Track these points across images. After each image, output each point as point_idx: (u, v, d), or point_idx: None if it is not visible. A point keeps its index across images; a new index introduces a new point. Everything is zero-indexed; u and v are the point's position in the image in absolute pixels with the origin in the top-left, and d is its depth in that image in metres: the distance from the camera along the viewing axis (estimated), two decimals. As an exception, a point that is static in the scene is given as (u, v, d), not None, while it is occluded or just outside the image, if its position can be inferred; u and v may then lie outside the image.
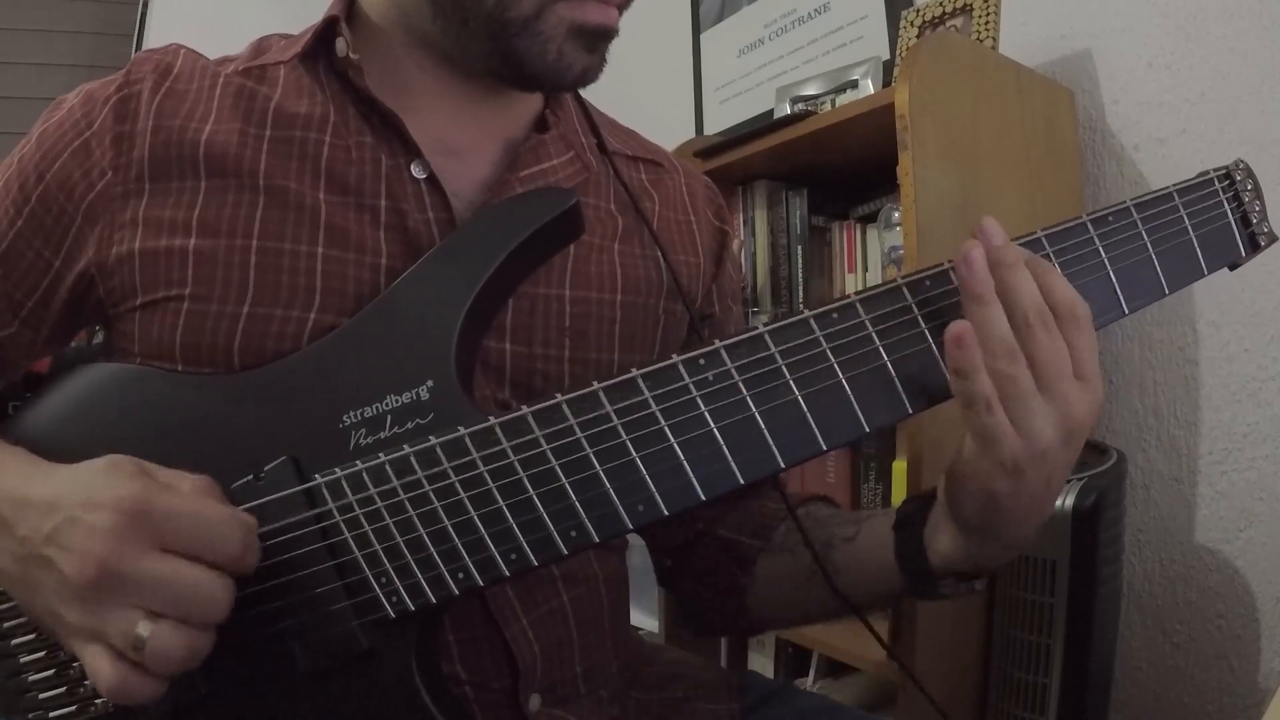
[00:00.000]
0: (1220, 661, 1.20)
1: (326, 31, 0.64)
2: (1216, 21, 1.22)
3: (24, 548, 0.47)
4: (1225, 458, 1.21)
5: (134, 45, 2.27)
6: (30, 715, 0.52)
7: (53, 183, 0.59)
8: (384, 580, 0.50)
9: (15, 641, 0.53)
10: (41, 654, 0.53)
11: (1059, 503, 1.05)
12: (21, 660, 0.53)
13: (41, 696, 0.53)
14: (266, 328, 0.56)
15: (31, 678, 0.53)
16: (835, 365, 0.49)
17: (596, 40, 0.61)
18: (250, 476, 0.51)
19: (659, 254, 0.70)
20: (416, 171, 0.61)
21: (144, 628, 0.44)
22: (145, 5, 2.29)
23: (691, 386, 0.48)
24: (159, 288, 0.57)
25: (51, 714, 0.52)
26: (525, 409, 0.49)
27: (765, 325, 0.49)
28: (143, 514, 0.45)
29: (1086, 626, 1.06)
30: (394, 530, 0.49)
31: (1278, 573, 1.15)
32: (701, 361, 0.48)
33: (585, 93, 0.71)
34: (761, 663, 1.61)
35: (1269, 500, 1.16)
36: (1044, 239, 0.52)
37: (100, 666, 0.45)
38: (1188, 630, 1.23)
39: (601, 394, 0.49)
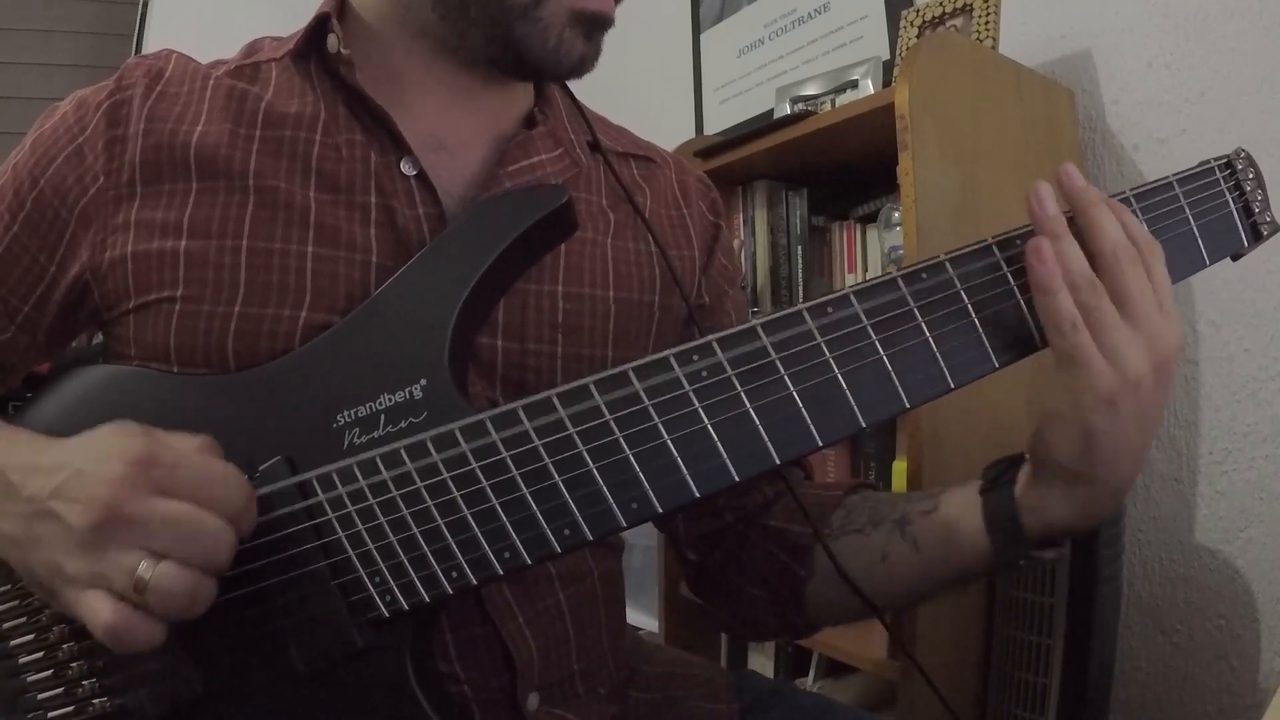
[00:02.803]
0: (1220, 661, 1.19)
1: (318, 28, 0.64)
2: (1216, 21, 1.22)
3: (29, 505, 0.47)
4: (1225, 458, 1.21)
5: (134, 45, 2.27)
6: (29, 715, 0.52)
7: (47, 188, 0.60)
8: (377, 579, 0.49)
9: (15, 642, 0.53)
10: (40, 654, 0.53)
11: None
12: (20, 661, 0.53)
13: (40, 697, 0.53)
14: (259, 327, 0.56)
15: (30, 678, 0.53)
16: (830, 360, 0.49)
17: (594, 28, 0.62)
18: (245, 477, 0.51)
19: (653, 248, 0.69)
20: (406, 168, 0.61)
21: (146, 567, 0.44)
22: (145, 5, 2.30)
23: (684, 380, 0.47)
24: (151, 290, 0.57)
25: (50, 714, 0.52)
26: (517, 404, 0.49)
27: (758, 318, 0.49)
28: (150, 462, 0.45)
29: (1086, 626, 1.05)
30: (387, 529, 0.49)
31: (1278, 573, 1.15)
32: (695, 356, 0.48)
33: (586, 92, 0.71)
34: (761, 663, 1.61)
35: (1269, 500, 1.16)
36: None
37: (100, 607, 0.44)
38: (1188, 630, 1.23)
39: (593, 388, 0.48)
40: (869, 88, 1.52)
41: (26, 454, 0.50)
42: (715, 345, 0.48)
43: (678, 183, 0.77)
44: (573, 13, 0.60)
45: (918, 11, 1.47)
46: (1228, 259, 0.56)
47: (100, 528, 0.44)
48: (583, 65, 0.63)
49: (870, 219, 1.51)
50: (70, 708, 0.52)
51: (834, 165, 1.51)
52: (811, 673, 1.47)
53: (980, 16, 1.35)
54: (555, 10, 0.60)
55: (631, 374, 0.48)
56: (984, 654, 1.17)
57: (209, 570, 0.46)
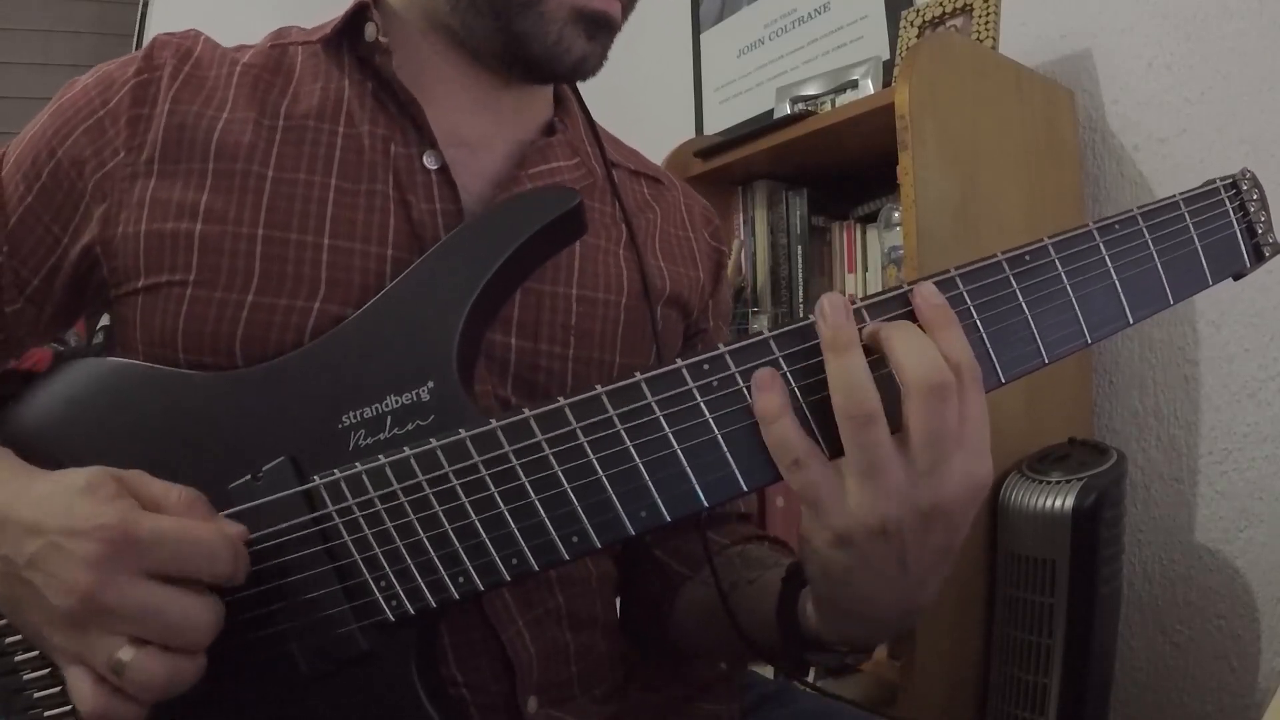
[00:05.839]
0: (1220, 661, 1.20)
1: (355, 17, 0.64)
2: (1216, 21, 1.22)
3: (6, 566, 0.46)
4: (1225, 458, 1.21)
5: (134, 45, 2.27)
6: (28, 714, 0.52)
7: (64, 159, 0.59)
8: (383, 584, 0.49)
9: (9, 640, 0.53)
10: (36, 653, 0.53)
11: (1059, 503, 1.05)
12: (16, 659, 0.53)
13: (36, 695, 0.52)
14: (270, 317, 0.56)
15: (26, 676, 0.52)
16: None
17: (597, 29, 0.62)
18: (248, 476, 0.51)
19: (656, 261, 0.70)
20: (429, 162, 0.61)
21: (125, 653, 0.43)
22: (145, 5, 2.30)
23: (695, 392, 0.47)
24: (162, 271, 0.57)
25: (47, 713, 0.52)
26: (527, 412, 0.48)
27: (769, 330, 0.48)
28: (127, 542, 0.44)
29: (1086, 626, 1.06)
30: (394, 534, 0.49)
31: (1278, 573, 1.15)
32: (705, 366, 0.47)
33: (587, 91, 0.71)
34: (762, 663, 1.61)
35: (1269, 500, 1.16)
36: (1050, 246, 0.51)
37: (81, 689, 0.44)
38: (1188, 630, 1.23)
39: (605, 398, 0.48)
40: (869, 88, 1.52)
41: (2, 496, 0.48)
42: (727, 357, 0.48)
43: (684, 206, 0.78)
44: (575, 9, 0.60)
45: (918, 11, 1.47)
46: (1229, 279, 0.56)
47: (79, 613, 0.44)
48: (584, 65, 0.62)
49: (870, 219, 1.51)
50: (67, 707, 0.52)
51: (834, 165, 1.51)
52: (812, 673, 1.47)
53: (980, 16, 1.35)
54: (556, 5, 0.60)
55: (644, 385, 0.48)
56: (984, 654, 1.17)
57: (191, 650, 0.45)
